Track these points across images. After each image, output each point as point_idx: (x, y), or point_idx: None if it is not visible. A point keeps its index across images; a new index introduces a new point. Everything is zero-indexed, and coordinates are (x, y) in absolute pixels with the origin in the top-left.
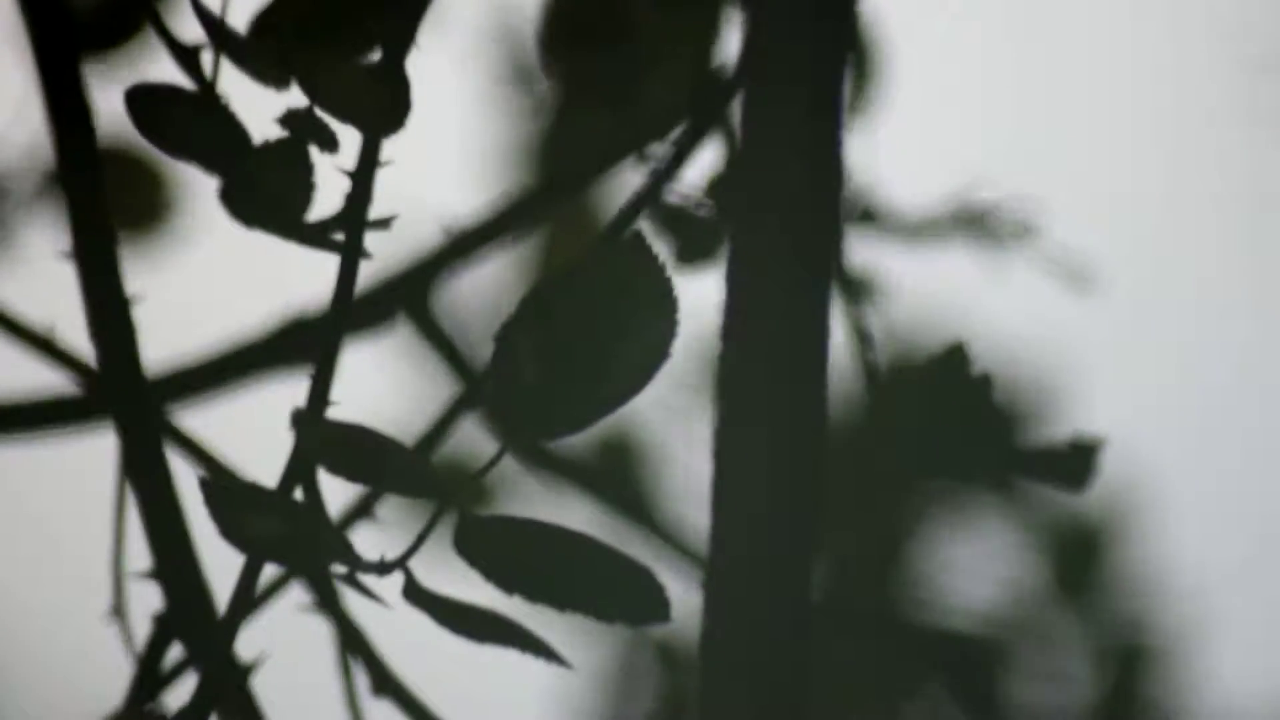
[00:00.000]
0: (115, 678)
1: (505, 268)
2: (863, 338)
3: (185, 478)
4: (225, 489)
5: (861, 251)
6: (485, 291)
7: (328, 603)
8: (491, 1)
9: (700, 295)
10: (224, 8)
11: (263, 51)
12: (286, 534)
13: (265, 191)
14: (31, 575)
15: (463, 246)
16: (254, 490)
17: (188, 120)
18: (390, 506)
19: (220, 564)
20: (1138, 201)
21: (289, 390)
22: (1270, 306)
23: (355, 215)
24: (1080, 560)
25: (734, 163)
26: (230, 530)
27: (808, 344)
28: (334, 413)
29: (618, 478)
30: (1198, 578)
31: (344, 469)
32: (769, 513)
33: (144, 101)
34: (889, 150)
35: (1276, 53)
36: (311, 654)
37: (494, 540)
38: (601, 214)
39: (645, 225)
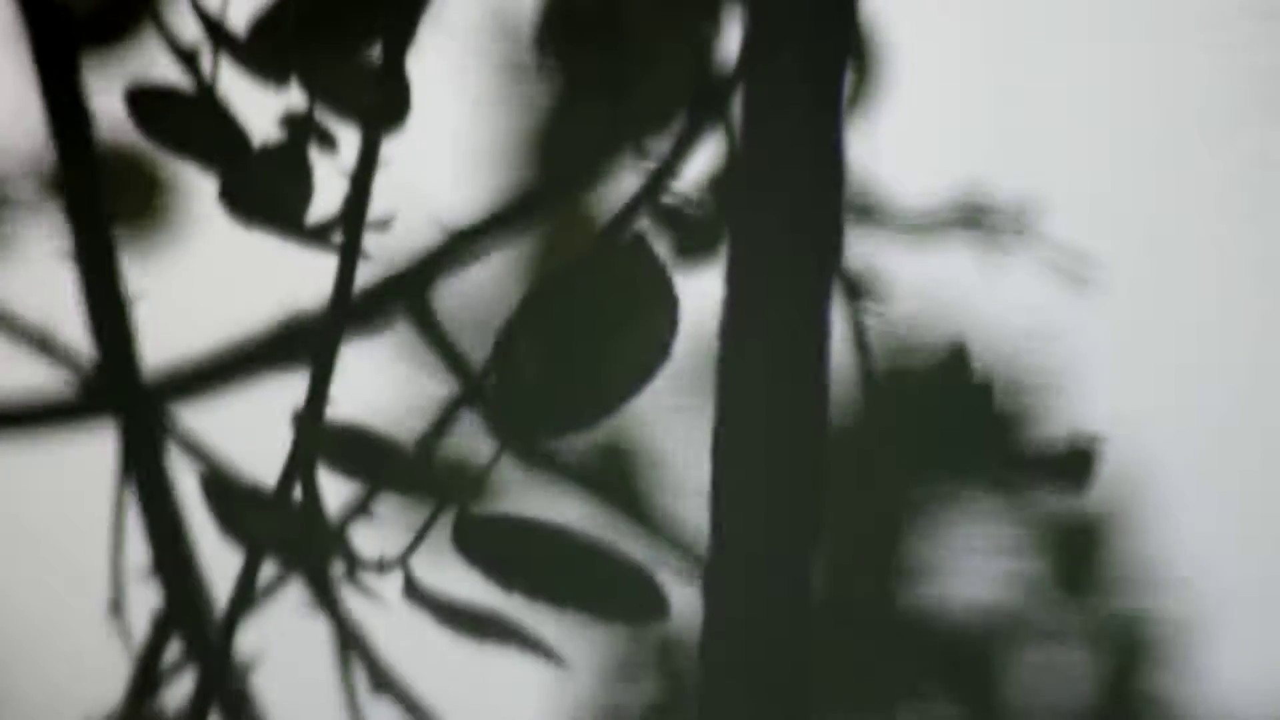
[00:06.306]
0: (114, 676)
1: (505, 267)
2: (862, 337)
3: (185, 477)
4: (224, 487)
5: (861, 250)
6: (485, 291)
7: (326, 601)
8: (490, 1)
9: (700, 293)
10: (224, 8)
11: (263, 51)
12: (285, 532)
13: (265, 191)
14: (30, 574)
15: (463, 246)
16: (253, 489)
17: (188, 120)
18: (390, 506)
19: (219, 563)
20: (1137, 200)
21: (289, 390)
22: (1271, 305)
23: (355, 215)
24: (1080, 560)
25: (734, 160)
26: (229, 528)
27: (808, 343)
28: (333, 412)
29: (617, 477)
30: (1198, 577)
31: (343, 467)
32: (769, 512)
33: (144, 101)
34: (889, 148)
35: (1275, 51)
36: (310, 653)
37: (493, 539)
38: (601, 212)
39: (645, 223)
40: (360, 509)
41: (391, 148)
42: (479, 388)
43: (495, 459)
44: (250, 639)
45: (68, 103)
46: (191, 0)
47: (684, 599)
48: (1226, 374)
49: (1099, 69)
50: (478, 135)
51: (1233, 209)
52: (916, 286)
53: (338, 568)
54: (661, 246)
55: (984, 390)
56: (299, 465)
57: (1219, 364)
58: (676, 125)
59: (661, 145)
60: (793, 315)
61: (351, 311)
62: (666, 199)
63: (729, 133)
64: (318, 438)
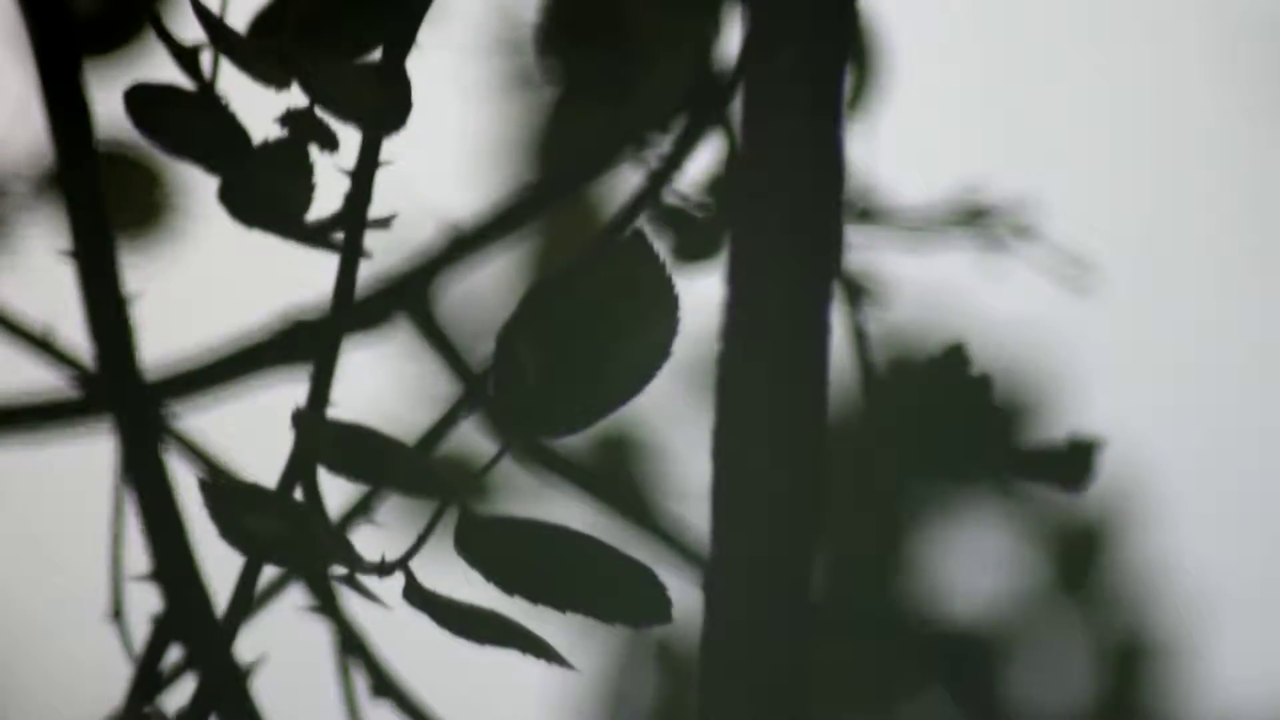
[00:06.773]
0: (114, 679)
1: (505, 267)
2: (862, 337)
3: (184, 478)
4: (224, 489)
5: (861, 251)
6: (485, 291)
7: (327, 604)
8: (491, 1)
9: (700, 294)
10: (224, 8)
11: (263, 51)
12: (286, 534)
13: (265, 191)
14: (30, 576)
15: (463, 246)
16: (254, 490)
17: (188, 120)
18: (390, 507)
19: (220, 565)
20: (1138, 201)
21: (289, 390)
22: (1270, 305)
23: (355, 215)
24: (1080, 560)
25: (734, 162)
26: (230, 531)
27: (808, 344)
28: (334, 413)
29: (618, 476)
30: (1198, 578)
31: (344, 468)
32: (769, 513)
33: (144, 101)
34: (889, 149)
35: (1275, 52)
36: (311, 656)
37: (494, 540)
38: (601, 213)
39: (645, 224)
40: (361, 510)
41: (391, 147)
42: (479, 388)
43: (495, 459)
44: (250, 642)
45: (69, 102)
46: (192, 0)
47: (684, 599)
48: (1226, 374)
49: (1099, 69)
50: (479, 135)
51: (1233, 209)
52: (916, 287)
53: (338, 570)
54: (661, 247)
55: (983, 389)
56: (299, 466)
57: (1219, 364)
58: (676, 125)
59: (661, 145)
60: (793, 315)
61: (351, 311)
62: (666, 199)
63: (729, 133)
64: (318, 438)
